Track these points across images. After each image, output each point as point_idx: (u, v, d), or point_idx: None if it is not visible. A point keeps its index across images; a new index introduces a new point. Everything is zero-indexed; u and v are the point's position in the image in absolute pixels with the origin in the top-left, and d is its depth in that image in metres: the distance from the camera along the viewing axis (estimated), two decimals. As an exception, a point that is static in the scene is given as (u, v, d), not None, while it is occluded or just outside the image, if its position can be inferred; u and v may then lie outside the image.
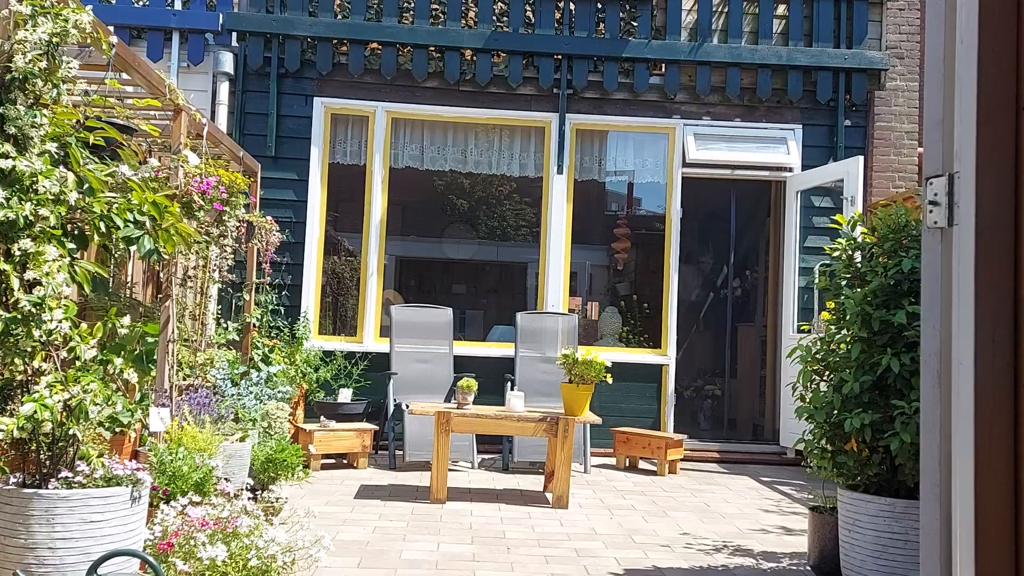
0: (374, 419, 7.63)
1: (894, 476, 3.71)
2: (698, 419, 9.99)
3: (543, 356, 7.69)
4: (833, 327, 3.96)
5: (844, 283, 3.95)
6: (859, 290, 3.78)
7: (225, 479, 4.08)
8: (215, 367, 5.94)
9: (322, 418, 6.83)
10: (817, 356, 3.97)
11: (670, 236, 8.28)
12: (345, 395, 7.39)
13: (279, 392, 6.31)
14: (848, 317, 3.76)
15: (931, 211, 1.86)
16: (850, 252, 3.91)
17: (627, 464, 7.44)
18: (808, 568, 4.36)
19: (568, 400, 5.73)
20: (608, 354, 8.18)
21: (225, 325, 6.92)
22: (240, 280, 7.11)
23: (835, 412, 3.74)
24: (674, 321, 8.24)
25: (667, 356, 8.23)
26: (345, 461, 6.97)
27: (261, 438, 5.75)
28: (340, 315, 8.99)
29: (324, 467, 6.76)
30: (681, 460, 7.42)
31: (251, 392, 5.93)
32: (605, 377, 5.70)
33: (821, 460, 3.86)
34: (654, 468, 7.30)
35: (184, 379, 5.45)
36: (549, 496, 5.92)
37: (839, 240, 3.98)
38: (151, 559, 2.96)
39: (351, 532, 4.73)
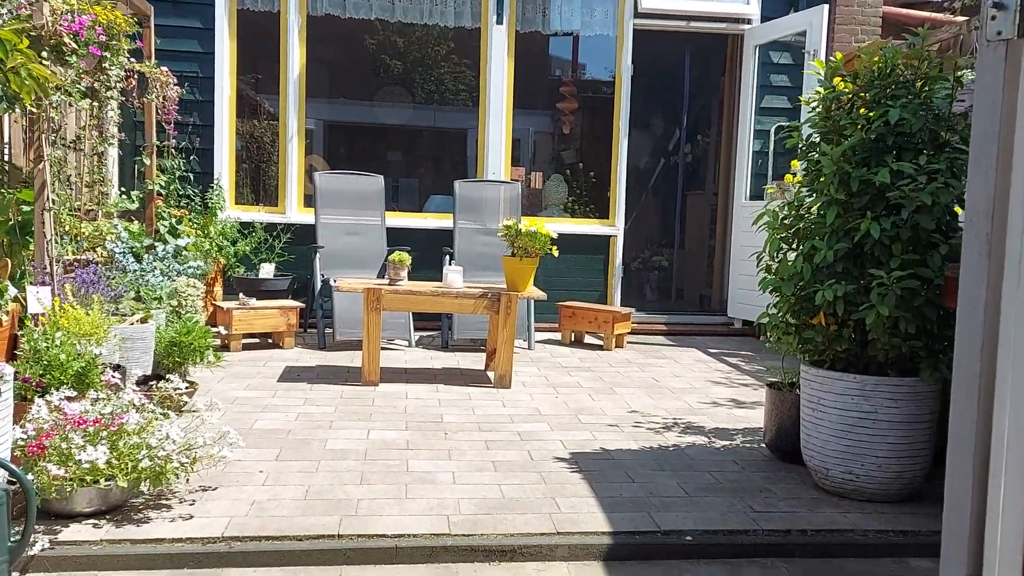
0: (301, 296, 7.12)
1: (864, 351, 3.37)
2: (644, 291, 9.72)
3: (483, 228, 7.19)
4: (804, 190, 3.52)
5: (819, 138, 3.48)
6: (837, 147, 3.32)
7: (114, 368, 3.57)
8: (114, 239, 5.31)
9: (241, 295, 6.29)
10: (786, 223, 3.55)
11: (620, 97, 7.69)
12: (267, 270, 6.83)
13: (190, 268, 5.72)
14: (823, 178, 3.31)
15: (994, 17, 1.37)
16: (828, 103, 3.43)
17: (573, 339, 7.12)
18: (763, 446, 4.10)
19: (511, 275, 5.28)
20: (553, 225, 7.73)
21: (125, 193, 6.22)
22: (141, 144, 6.36)
23: (804, 284, 3.35)
24: (623, 190, 7.77)
25: (615, 227, 7.80)
26: (271, 340, 6.49)
27: (170, 319, 5.21)
28: (262, 184, 8.29)
29: (247, 347, 6.28)
30: (628, 334, 7.12)
31: (155, 268, 5.33)
32: (551, 250, 5.25)
33: (785, 335, 3.50)
34: (600, 343, 7.00)
35: (75, 254, 4.83)
36: (491, 375, 5.56)
37: (816, 89, 3.48)
38: (11, 467, 2.48)
39: (271, 420, 4.30)
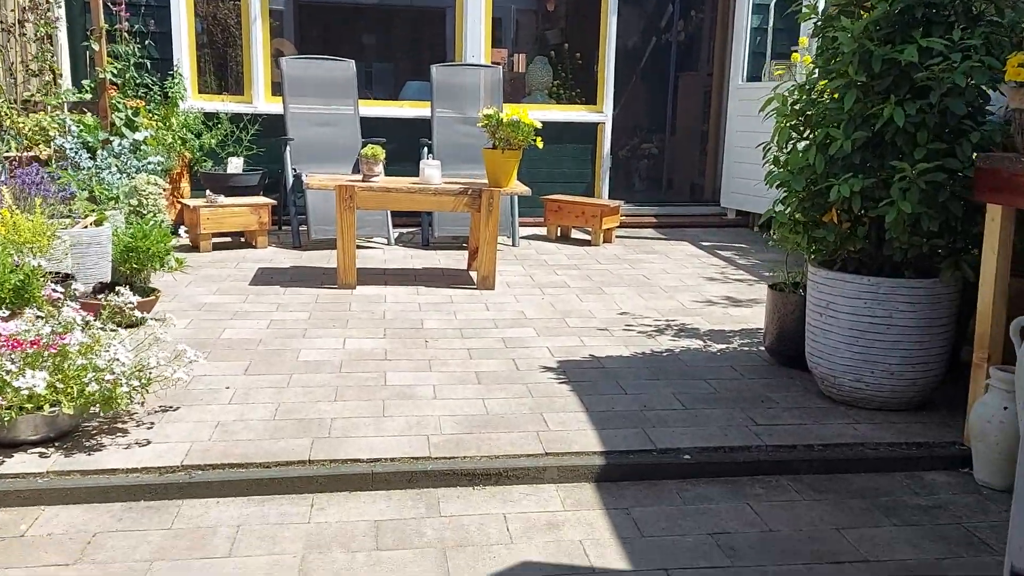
0: (273, 191, 6.74)
1: (878, 251, 3.10)
2: (633, 181, 9.35)
3: (463, 116, 6.76)
4: (817, 71, 3.15)
5: (838, 11, 3.09)
6: (858, 21, 2.94)
7: (61, 279, 3.25)
8: (63, 134, 4.89)
9: (208, 192, 5.92)
10: (796, 108, 3.20)
11: (608, -30, 7.13)
12: (235, 164, 6.43)
13: (149, 163, 5.32)
14: (842, 57, 2.95)
15: None
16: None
17: (559, 234, 6.82)
18: (762, 349, 3.88)
19: (492, 169, 4.93)
20: (538, 113, 7.29)
21: (77, 85, 5.75)
22: (90, 27, 5.82)
23: (817, 178, 3.04)
24: (611, 73, 7.31)
25: (603, 113, 7.38)
26: (243, 239, 6.16)
27: (130, 220, 4.86)
28: (228, 71, 7.74)
29: (217, 247, 5.95)
30: (617, 228, 6.83)
31: (111, 164, 4.94)
32: (535, 141, 4.88)
33: (792, 234, 3.21)
34: (588, 238, 6.71)
35: (19, 151, 4.44)
36: (474, 275, 5.29)
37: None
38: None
39: (241, 328, 4.03)
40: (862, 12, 3.00)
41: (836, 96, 2.99)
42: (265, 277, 5.14)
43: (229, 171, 6.39)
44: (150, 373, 2.79)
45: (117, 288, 3.00)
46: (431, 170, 4.96)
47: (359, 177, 5.03)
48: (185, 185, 6.57)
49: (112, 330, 2.84)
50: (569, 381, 3.41)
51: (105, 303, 3.16)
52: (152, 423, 2.86)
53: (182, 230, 6.00)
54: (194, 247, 5.87)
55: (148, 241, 3.92)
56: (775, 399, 3.26)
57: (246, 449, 2.68)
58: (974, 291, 2.80)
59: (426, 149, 6.56)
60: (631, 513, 2.47)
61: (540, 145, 4.93)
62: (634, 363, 3.67)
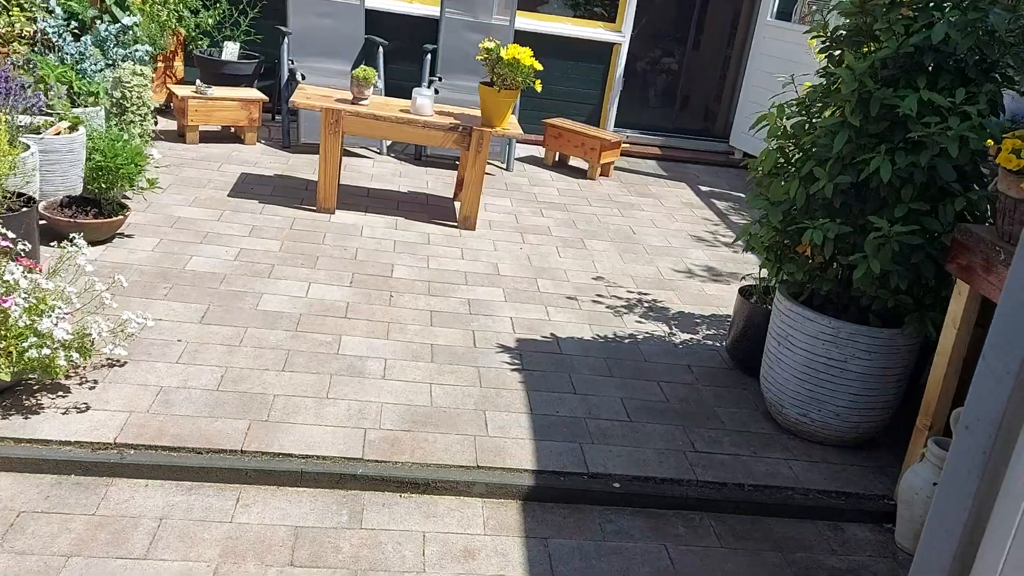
0: (268, 80, 6.53)
1: (846, 291, 3.03)
2: (648, 95, 9.03)
3: (475, 21, 6.47)
4: (818, 95, 2.97)
5: (844, 36, 2.88)
6: (863, 56, 2.75)
7: (11, 210, 3.18)
8: (43, 15, 4.67)
9: (198, 82, 5.72)
10: (790, 131, 3.04)
11: None
12: (231, 51, 6.19)
13: (137, 51, 5.12)
14: (840, 90, 2.77)
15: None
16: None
17: (556, 160, 6.65)
18: (724, 345, 3.87)
19: (487, 107, 4.75)
20: (551, 25, 7.00)
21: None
22: None
23: (795, 213, 2.93)
24: (635, -9, 6.93)
25: (621, 32, 7.05)
26: (233, 131, 6.02)
27: (112, 114, 4.73)
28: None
29: (206, 138, 5.82)
30: (617, 160, 6.65)
31: (92, 54, 4.74)
32: (534, 84, 4.67)
33: (765, 261, 3.12)
34: (585, 168, 6.54)
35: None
36: (458, 207, 5.19)
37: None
38: None
39: (208, 259, 3.99)
40: (869, 45, 2.80)
41: (828, 131, 2.83)
42: (246, 187, 5.05)
43: (224, 57, 6.16)
44: (91, 342, 2.77)
45: (72, 240, 2.93)
46: (423, 99, 4.78)
47: (349, 97, 4.85)
48: (179, 64, 6.36)
49: (58, 287, 2.80)
50: (522, 368, 3.41)
51: (58, 262, 3.06)
52: (96, 381, 2.87)
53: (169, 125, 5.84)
54: (181, 136, 5.74)
55: (118, 160, 3.82)
56: (722, 417, 3.27)
57: (182, 428, 2.70)
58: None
59: (429, 57, 6.30)
60: (548, 546, 2.52)
61: (538, 88, 4.72)
62: (593, 350, 3.66)
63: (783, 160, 3.02)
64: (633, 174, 6.75)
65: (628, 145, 7.05)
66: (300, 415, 2.87)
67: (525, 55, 4.58)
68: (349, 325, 3.56)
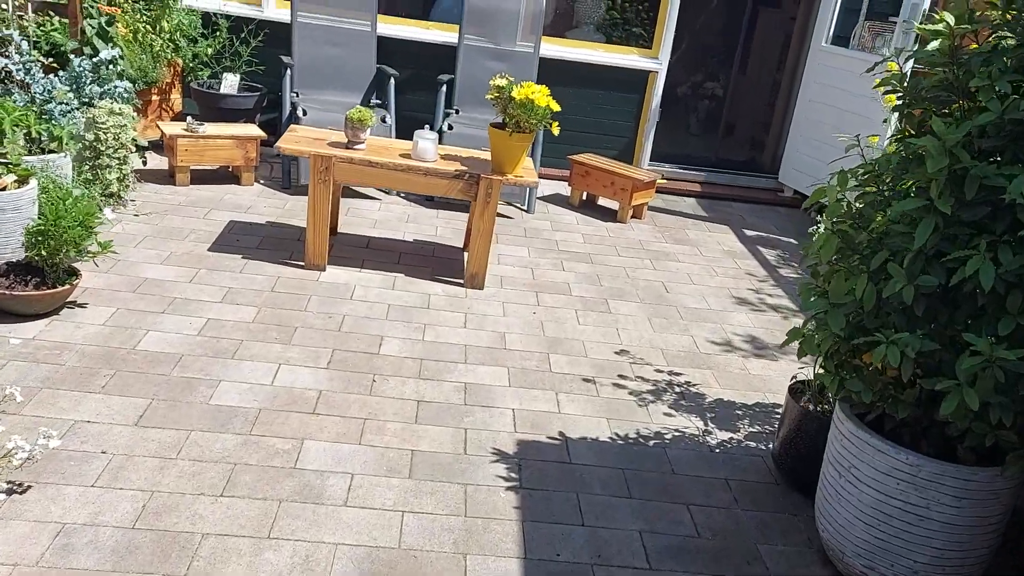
0: (273, 112, 6.04)
1: (927, 413, 2.37)
2: (688, 122, 8.37)
3: (496, 48, 5.90)
4: (895, 161, 2.32)
5: (928, 96, 2.23)
6: (955, 121, 2.10)
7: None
8: (8, 50, 4.21)
9: (189, 119, 5.23)
10: (856, 210, 2.39)
11: None
12: (231, 83, 5.70)
13: (116, 87, 4.64)
14: (924, 166, 2.12)
15: None
16: (957, 37, 2.14)
17: (583, 200, 6.04)
18: (769, 448, 3.21)
19: (497, 151, 4.16)
20: (581, 52, 6.42)
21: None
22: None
23: (862, 318, 2.27)
24: (674, 16, 6.30)
25: (658, 60, 6.41)
26: (230, 170, 5.52)
27: (85, 163, 4.25)
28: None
29: (198, 179, 5.33)
30: (654, 197, 6.01)
31: (61, 92, 4.26)
32: (550, 126, 4.08)
33: (824, 374, 2.47)
34: (615, 209, 5.91)
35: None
36: (466, 256, 4.61)
37: (940, 13, 2.17)
38: None
39: (167, 334, 3.45)
40: (965, 105, 2.14)
41: (907, 215, 2.17)
42: (231, 238, 4.52)
43: (223, 90, 5.68)
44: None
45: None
46: (425, 143, 4.21)
47: (344, 140, 4.30)
48: (176, 97, 5.89)
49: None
50: (520, 487, 2.79)
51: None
52: (-14, 515, 2.34)
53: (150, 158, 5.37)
54: (171, 177, 5.26)
55: (63, 222, 3.30)
56: (766, 559, 2.61)
57: (77, 586, 2.15)
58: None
59: (444, 88, 5.74)
60: None
61: (556, 132, 4.13)
62: (609, 456, 3.04)
63: (846, 247, 2.37)
64: (669, 215, 6.10)
65: (665, 182, 6.41)
66: (229, 567, 2.29)
67: (541, 95, 3.99)
68: (316, 425, 2.98)
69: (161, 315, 3.60)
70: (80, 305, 3.57)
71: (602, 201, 6.07)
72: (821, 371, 2.48)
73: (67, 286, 3.40)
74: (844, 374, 2.37)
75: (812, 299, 2.38)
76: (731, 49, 8.37)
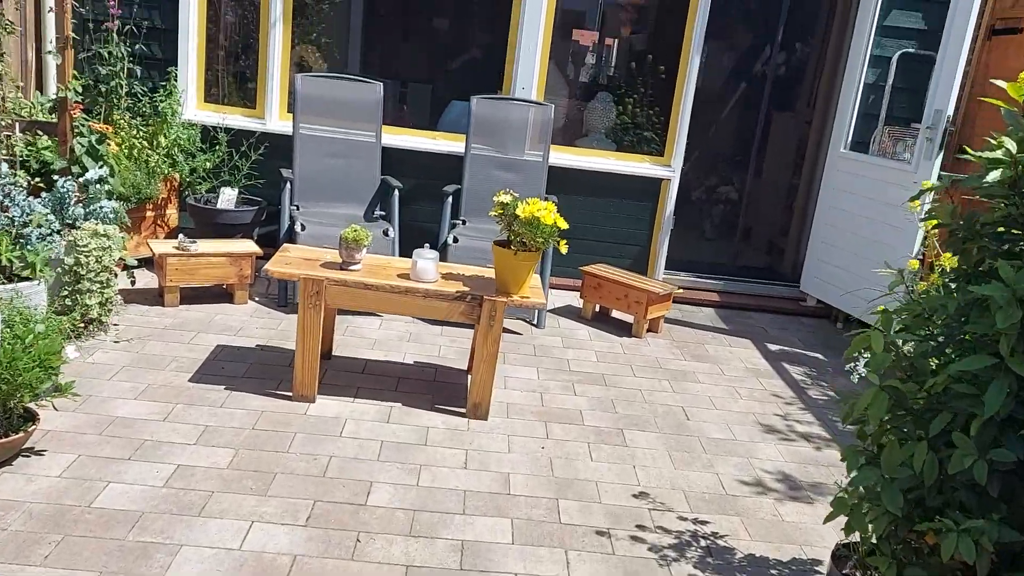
0: (273, 225, 5.83)
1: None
2: (704, 227, 8.12)
3: (504, 157, 5.71)
4: (951, 308, 1.98)
5: (986, 234, 1.91)
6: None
7: None
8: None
9: (181, 237, 5.02)
10: (906, 359, 2.04)
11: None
12: (228, 198, 5.52)
13: (102, 208, 4.43)
14: (990, 315, 1.79)
15: None
16: (1022, 166, 1.84)
17: (596, 313, 5.72)
18: (815, 615, 2.78)
19: (501, 270, 3.87)
20: (592, 160, 6.23)
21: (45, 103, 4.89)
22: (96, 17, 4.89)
23: (924, 494, 1.90)
24: (686, 121, 6.11)
25: (671, 168, 6.20)
26: (225, 288, 5.27)
27: (64, 288, 3.99)
28: (238, 79, 6.81)
29: (188, 299, 5.07)
30: (671, 308, 5.69)
31: (41, 216, 4.04)
32: (558, 244, 3.80)
33: (878, 558, 2.07)
34: (630, 322, 5.58)
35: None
36: (469, 380, 4.27)
37: (999, 138, 1.88)
38: None
39: (130, 485, 3.10)
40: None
41: (962, 372, 1.82)
42: (216, 366, 4.21)
43: (220, 205, 5.49)
44: None
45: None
46: (424, 263, 3.93)
47: (338, 261, 4.03)
48: (172, 212, 5.71)
49: None
50: None
51: None
52: None
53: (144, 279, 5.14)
54: (160, 297, 5.01)
55: (19, 364, 3.01)
56: None
57: None
58: None
59: (450, 199, 5.52)
60: None
61: (564, 251, 3.84)
62: (625, 635, 2.61)
63: (897, 405, 2.00)
64: (687, 327, 5.76)
65: (681, 291, 6.09)
66: None
67: (547, 212, 3.72)
68: (287, 601, 2.59)
69: (126, 462, 3.25)
70: (37, 453, 3.24)
71: (616, 313, 5.75)
72: (871, 550, 2.07)
73: (20, 434, 3.08)
74: (902, 564, 1.97)
75: (860, 467, 2.01)
76: (746, 153, 8.18)
